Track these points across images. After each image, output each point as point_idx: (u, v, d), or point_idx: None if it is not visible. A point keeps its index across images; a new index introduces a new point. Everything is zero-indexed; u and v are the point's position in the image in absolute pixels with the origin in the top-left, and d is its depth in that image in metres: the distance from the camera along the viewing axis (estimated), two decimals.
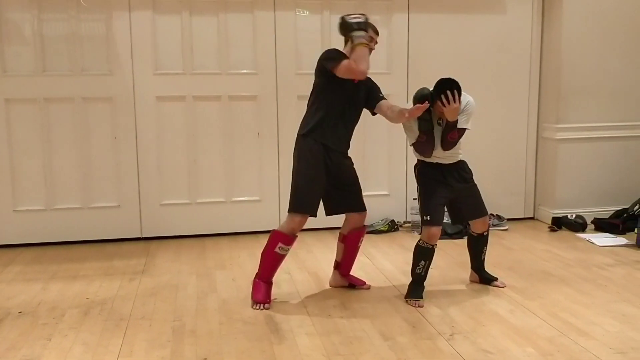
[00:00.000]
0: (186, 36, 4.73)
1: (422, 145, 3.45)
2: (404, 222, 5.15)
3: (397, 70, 5.04)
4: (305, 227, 4.96)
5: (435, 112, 3.43)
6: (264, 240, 4.69)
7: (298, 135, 3.49)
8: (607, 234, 4.81)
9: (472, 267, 3.81)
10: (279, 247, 3.39)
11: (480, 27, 5.12)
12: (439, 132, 3.45)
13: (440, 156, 3.51)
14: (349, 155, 3.61)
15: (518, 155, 5.38)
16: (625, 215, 4.86)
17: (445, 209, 3.64)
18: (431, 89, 3.38)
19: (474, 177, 3.65)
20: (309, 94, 3.58)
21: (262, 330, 3.10)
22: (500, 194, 5.31)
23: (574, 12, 4.98)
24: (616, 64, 5.11)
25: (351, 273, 3.75)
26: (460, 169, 3.60)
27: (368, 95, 3.53)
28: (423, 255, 3.50)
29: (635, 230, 4.60)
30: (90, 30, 4.63)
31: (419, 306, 3.41)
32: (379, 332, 3.06)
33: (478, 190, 3.64)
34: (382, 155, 5.13)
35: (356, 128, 5.01)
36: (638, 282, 3.76)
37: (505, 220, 5.17)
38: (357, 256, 3.76)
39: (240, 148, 4.92)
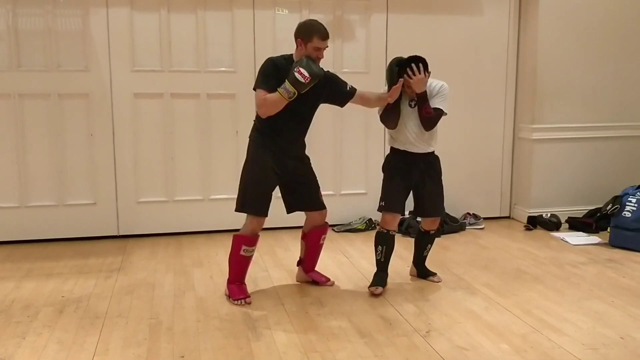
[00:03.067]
0: (164, 33, 4.70)
1: (387, 114, 3.51)
2: None
3: (375, 69, 5.07)
4: (282, 225, 5.04)
5: (407, 92, 3.49)
6: None
7: (249, 138, 3.50)
8: (581, 233, 4.89)
9: (412, 262, 3.88)
10: (244, 250, 3.42)
11: (458, 28, 5.17)
12: (411, 113, 3.50)
13: (411, 140, 3.53)
14: (307, 154, 3.63)
15: (494, 155, 5.45)
16: (598, 214, 4.94)
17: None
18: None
19: (442, 176, 3.70)
20: None
21: (239, 328, 3.09)
22: (477, 193, 5.37)
23: (550, 14, 5.06)
24: (590, 66, 5.20)
25: (317, 270, 3.78)
26: (429, 162, 3.62)
27: (330, 95, 3.52)
28: (380, 241, 3.58)
29: (608, 230, 4.69)
30: (66, 25, 4.58)
31: (376, 294, 3.49)
32: (355, 329, 3.08)
33: (440, 191, 3.67)
34: (358, 153, 5.16)
35: (332, 127, 5.08)
36: (610, 280, 3.84)
37: (482, 219, 5.23)
38: (322, 253, 3.80)
39: (218, 146, 4.91)
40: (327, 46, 3.35)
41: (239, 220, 4.98)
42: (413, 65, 3.39)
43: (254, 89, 3.36)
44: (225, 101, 4.87)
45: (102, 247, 4.55)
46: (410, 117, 3.52)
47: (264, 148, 3.40)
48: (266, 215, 3.45)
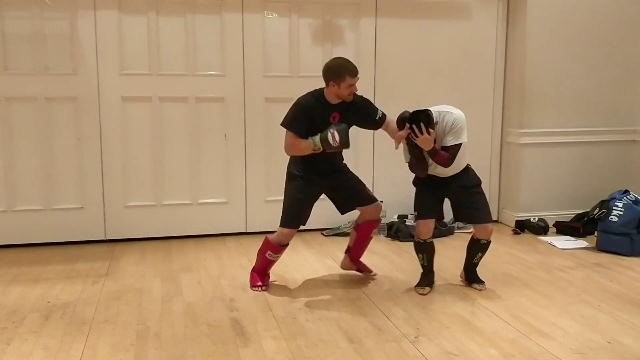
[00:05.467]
0: (153, 37, 4.68)
1: (414, 166, 3.62)
2: None
3: (364, 74, 5.02)
4: (273, 229, 4.95)
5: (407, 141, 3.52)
6: (230, 243, 4.77)
7: (289, 164, 3.74)
8: (568, 237, 4.92)
9: (463, 267, 3.89)
10: (268, 254, 3.72)
11: (447, 32, 5.18)
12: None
13: (438, 172, 3.62)
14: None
15: (483, 160, 5.46)
16: (585, 218, 4.97)
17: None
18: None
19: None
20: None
21: (228, 334, 3.08)
22: None
23: (538, 20, 5.09)
24: (577, 71, 5.24)
25: (362, 261, 3.99)
26: (460, 177, 3.66)
27: (361, 122, 3.76)
28: (420, 249, 3.73)
29: (595, 234, 4.72)
30: (54, 28, 4.55)
31: (422, 294, 3.63)
32: (344, 335, 3.07)
33: (480, 198, 3.69)
34: (349, 158, 5.12)
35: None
36: (597, 284, 3.86)
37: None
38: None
39: (207, 150, 4.89)
40: (358, 79, 3.55)
41: (228, 224, 5.00)
42: (414, 126, 3.39)
43: (283, 126, 3.62)
44: (214, 105, 4.85)
45: (89, 252, 4.52)
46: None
47: (301, 179, 3.66)
48: (295, 228, 3.71)
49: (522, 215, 5.23)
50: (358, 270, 3.98)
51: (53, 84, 4.57)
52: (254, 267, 3.83)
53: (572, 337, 3.05)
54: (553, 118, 5.24)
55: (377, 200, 3.88)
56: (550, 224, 5.14)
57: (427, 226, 3.66)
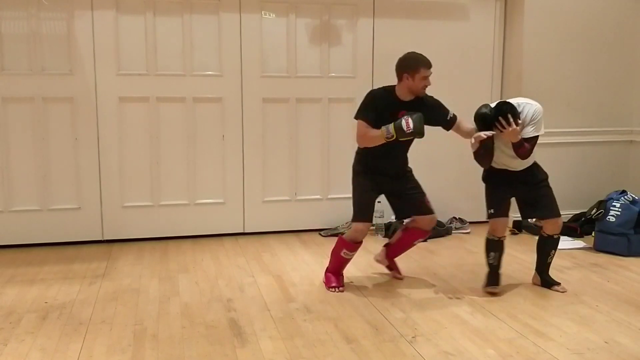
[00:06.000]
0: (150, 37, 4.67)
1: (481, 157, 3.57)
2: None
3: (362, 74, 5.07)
4: (270, 230, 5.03)
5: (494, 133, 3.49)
6: (227, 243, 4.76)
7: (354, 161, 3.78)
8: (566, 237, 4.90)
9: (536, 269, 3.84)
10: (344, 252, 3.70)
11: (444, 33, 5.19)
12: (508, 142, 3.48)
13: (507, 164, 3.60)
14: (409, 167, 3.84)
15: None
16: (583, 219, 4.98)
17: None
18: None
19: (546, 179, 3.72)
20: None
21: (225, 334, 3.07)
22: (463, 197, 5.38)
23: (535, 21, 5.10)
24: (574, 72, 5.24)
25: (395, 261, 4.00)
26: (528, 173, 3.64)
27: (432, 120, 3.67)
28: (491, 248, 3.68)
29: (593, 234, 4.72)
30: (51, 29, 4.54)
31: (494, 293, 3.61)
32: (342, 335, 3.07)
33: (549, 192, 3.68)
34: (347, 158, 5.11)
35: (319, 131, 5.08)
36: (594, 284, 3.86)
37: (468, 224, 5.25)
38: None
39: (204, 150, 4.88)
40: (432, 73, 3.57)
41: (225, 225, 4.99)
42: (501, 119, 3.39)
43: (356, 118, 3.61)
44: (212, 105, 4.84)
45: (86, 253, 4.51)
46: (507, 145, 3.53)
47: (365, 175, 3.68)
48: (367, 221, 3.66)
49: (518, 216, 5.21)
50: (388, 267, 3.99)
51: (50, 84, 4.56)
52: (328, 268, 3.81)
53: (569, 337, 3.05)
54: (550, 119, 5.20)
55: (434, 213, 3.82)
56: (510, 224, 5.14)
57: (503, 224, 3.66)
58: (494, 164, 3.63)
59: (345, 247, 3.68)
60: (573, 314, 3.36)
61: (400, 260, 4.34)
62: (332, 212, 5.12)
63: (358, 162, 3.75)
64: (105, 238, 4.79)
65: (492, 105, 3.55)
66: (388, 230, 4.98)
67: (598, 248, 4.55)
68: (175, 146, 4.83)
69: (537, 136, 3.51)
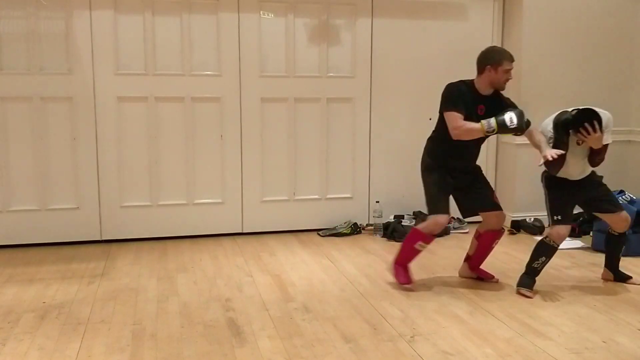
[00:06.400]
0: (148, 36, 4.67)
1: (554, 162, 3.49)
2: (367, 225, 5.17)
3: (360, 74, 5.08)
4: (268, 230, 5.03)
5: (577, 139, 3.51)
6: (226, 243, 4.76)
7: (425, 154, 3.76)
8: (570, 238, 4.91)
9: (605, 265, 3.88)
10: (419, 244, 3.67)
11: (443, 33, 5.19)
12: (576, 151, 3.54)
13: (572, 174, 3.62)
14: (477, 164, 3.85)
15: (478, 160, 5.43)
16: (581, 219, 4.98)
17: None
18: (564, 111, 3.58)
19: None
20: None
21: (223, 334, 3.07)
22: None
23: (533, 20, 5.10)
24: (572, 71, 5.24)
25: (482, 268, 3.96)
26: (589, 178, 3.69)
27: None
28: (545, 252, 3.66)
29: (591, 234, 4.72)
30: (49, 28, 4.53)
31: (529, 296, 3.59)
32: (340, 335, 3.07)
33: (608, 190, 3.73)
34: (345, 158, 5.16)
35: (319, 131, 5.09)
36: (593, 283, 3.87)
37: (466, 224, 5.25)
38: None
39: (203, 150, 4.88)
40: (513, 67, 3.59)
41: (224, 225, 4.99)
42: (587, 125, 3.40)
43: (442, 112, 3.58)
44: (210, 105, 4.84)
45: (85, 252, 4.50)
46: (574, 155, 3.56)
47: (439, 170, 3.65)
48: (446, 213, 3.63)
49: (518, 216, 5.24)
50: (478, 277, 3.93)
51: (48, 83, 4.55)
52: (397, 261, 3.77)
53: (568, 337, 3.06)
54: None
55: (502, 209, 3.81)
56: (546, 224, 5.13)
57: (566, 231, 3.63)
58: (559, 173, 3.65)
59: (422, 239, 3.65)
60: (572, 314, 3.36)
61: None
62: (331, 212, 5.13)
63: (428, 155, 3.73)
64: (104, 238, 4.78)
65: (571, 110, 3.55)
66: (387, 230, 4.99)
67: (596, 248, 4.55)
68: (173, 146, 4.83)
69: (607, 145, 3.54)
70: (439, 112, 3.67)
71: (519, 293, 3.66)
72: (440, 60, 5.22)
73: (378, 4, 5.03)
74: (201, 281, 3.88)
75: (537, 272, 3.70)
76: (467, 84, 3.64)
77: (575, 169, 3.61)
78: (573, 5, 5.18)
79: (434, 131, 3.76)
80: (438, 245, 4.77)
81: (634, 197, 4.63)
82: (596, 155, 3.54)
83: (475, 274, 3.94)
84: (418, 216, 5.07)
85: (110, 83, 4.65)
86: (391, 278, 3.93)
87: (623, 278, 3.85)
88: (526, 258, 4.38)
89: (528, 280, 3.70)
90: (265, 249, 4.61)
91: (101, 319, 3.25)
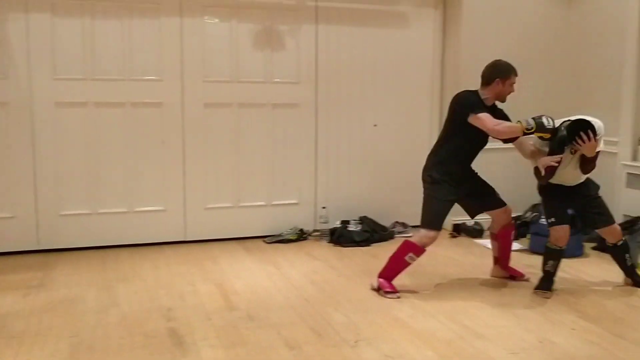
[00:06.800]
0: (87, 41, 4.55)
1: (542, 175, 3.68)
2: (313, 231, 5.18)
3: (305, 79, 5.09)
4: (212, 237, 4.97)
5: (571, 147, 3.61)
6: (169, 252, 4.68)
7: (426, 167, 3.86)
8: None
9: (625, 274, 3.95)
10: (409, 256, 3.75)
11: (386, 40, 5.26)
12: (570, 159, 3.65)
13: (566, 180, 3.75)
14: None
15: (421, 165, 5.52)
16: (518, 221, 5.11)
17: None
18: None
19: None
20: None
21: (165, 344, 3.02)
22: (406, 202, 5.44)
23: (472, 30, 5.23)
24: None
25: (511, 266, 4.11)
26: (585, 185, 3.80)
27: None
28: (551, 257, 3.77)
29: (528, 236, 4.87)
30: None
31: (546, 297, 3.71)
32: (284, 342, 3.06)
33: (602, 202, 3.83)
34: (291, 164, 5.15)
35: (264, 136, 5.07)
36: (530, 285, 3.98)
37: (410, 228, 5.32)
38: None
39: (144, 156, 4.78)
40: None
41: (167, 233, 4.90)
42: (582, 133, 3.50)
43: (467, 117, 3.64)
44: (152, 110, 4.76)
45: (21, 262, 4.34)
46: (568, 163, 3.67)
47: (447, 184, 3.75)
48: (440, 230, 3.76)
49: (459, 219, 5.34)
50: (511, 277, 4.06)
51: None
52: (382, 273, 3.81)
53: (505, 337, 3.14)
54: None
55: (507, 205, 3.98)
56: (486, 227, 5.27)
57: (566, 232, 3.72)
58: (550, 180, 3.75)
59: (413, 252, 3.73)
60: (510, 315, 3.46)
61: (347, 266, 4.38)
62: (277, 218, 5.11)
63: (435, 169, 3.79)
64: (41, 248, 4.62)
65: (563, 121, 3.65)
66: (333, 235, 5.00)
67: (533, 250, 4.70)
68: (114, 152, 4.71)
69: (599, 152, 3.66)
70: (454, 122, 3.75)
71: (536, 294, 3.78)
72: (385, 67, 5.29)
73: (322, 11, 5.06)
74: (142, 291, 3.80)
75: (550, 274, 3.80)
76: (475, 94, 3.79)
77: (570, 176, 3.75)
78: (510, 14, 5.33)
79: (442, 143, 3.84)
80: (382, 250, 4.81)
81: None
82: (588, 164, 3.66)
83: (508, 273, 4.09)
84: (364, 221, 5.12)
85: (48, 88, 4.51)
86: (336, 284, 3.96)
87: (638, 282, 3.92)
88: (466, 260, 4.51)
89: (544, 283, 3.82)
90: (209, 257, 4.55)
91: (37, 332, 3.14)
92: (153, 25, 4.69)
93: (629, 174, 4.92)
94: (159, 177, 4.84)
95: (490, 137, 3.78)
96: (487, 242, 4.95)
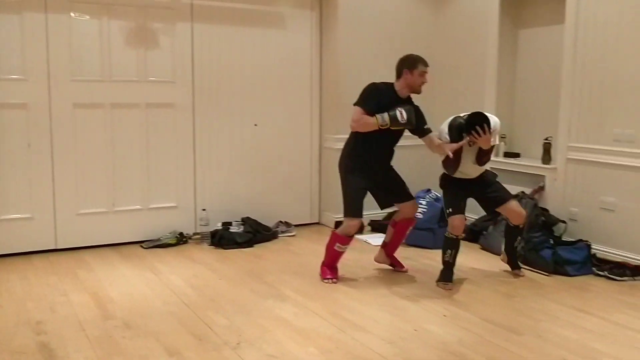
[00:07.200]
0: None
1: (451, 162, 3.86)
2: (193, 234, 5.07)
3: (182, 79, 4.97)
4: (86, 244, 4.72)
5: (469, 140, 3.79)
6: (37, 261, 4.42)
7: (341, 155, 4.05)
8: (381, 234, 5.20)
9: (505, 250, 4.23)
10: (337, 246, 3.99)
11: (264, 40, 5.26)
12: (468, 152, 3.86)
13: (467, 172, 3.96)
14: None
15: (303, 165, 5.62)
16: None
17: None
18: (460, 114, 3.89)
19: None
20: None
21: (34, 359, 2.82)
22: (289, 202, 5.51)
23: (348, 31, 5.36)
24: (386, 78, 5.56)
25: (395, 256, 4.31)
26: (483, 176, 4.03)
27: (414, 128, 3.97)
28: (449, 246, 3.92)
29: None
30: None
31: (448, 289, 3.85)
32: (164, 349, 2.97)
33: (498, 185, 4.07)
34: (169, 165, 5.00)
35: (140, 137, 4.89)
36: (406, 276, 4.16)
37: (293, 227, 5.36)
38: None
39: (8, 160, 4.44)
40: (428, 72, 3.93)
41: (35, 241, 4.59)
42: (478, 128, 3.70)
43: (355, 105, 3.87)
44: (16, 111, 4.44)
45: None
46: (467, 155, 3.88)
47: (357, 171, 3.93)
48: (359, 217, 3.94)
49: (341, 216, 5.43)
50: (391, 265, 4.27)
51: None
52: (323, 262, 4.08)
53: (383, 328, 3.25)
54: None
55: (414, 198, 4.21)
56: (366, 222, 5.42)
57: (462, 221, 3.89)
58: (455, 174, 3.96)
59: (339, 241, 3.96)
60: (388, 306, 3.58)
61: (229, 268, 4.34)
62: (154, 222, 4.95)
63: (348, 158, 3.98)
64: None
65: (462, 115, 3.85)
66: (214, 238, 4.92)
67: (409, 242, 4.87)
68: None
69: (494, 146, 3.92)
70: None
71: (438, 287, 3.91)
72: (264, 67, 5.29)
73: (198, 9, 4.96)
74: (8, 304, 3.52)
75: (450, 265, 3.96)
76: (388, 85, 3.95)
77: (469, 167, 3.95)
78: (382, 16, 5.49)
79: (354, 133, 3.97)
80: (265, 250, 4.83)
81: (439, 195, 5.05)
82: (483, 156, 3.89)
83: (390, 261, 4.28)
84: (246, 222, 5.09)
85: None
86: (218, 287, 3.90)
87: (514, 267, 4.19)
88: (347, 256, 4.57)
89: (444, 274, 3.96)
90: (82, 266, 4.32)
91: None
92: (14, 21, 4.38)
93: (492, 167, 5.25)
94: (25, 182, 4.51)
95: (406, 131, 3.99)
96: (367, 237, 5.12)
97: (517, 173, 5.02)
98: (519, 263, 4.24)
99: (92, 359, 2.85)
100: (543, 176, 4.83)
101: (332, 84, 5.46)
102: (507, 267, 4.26)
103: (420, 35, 5.70)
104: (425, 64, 3.95)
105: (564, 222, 4.54)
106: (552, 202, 4.72)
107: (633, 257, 4.21)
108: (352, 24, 5.38)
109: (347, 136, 5.37)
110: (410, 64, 3.92)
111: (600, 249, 4.37)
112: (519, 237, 4.17)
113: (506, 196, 4.07)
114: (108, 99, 4.73)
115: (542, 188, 4.81)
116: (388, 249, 4.28)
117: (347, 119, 5.39)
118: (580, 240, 4.38)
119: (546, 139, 4.83)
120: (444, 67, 5.67)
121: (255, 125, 5.31)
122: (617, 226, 4.31)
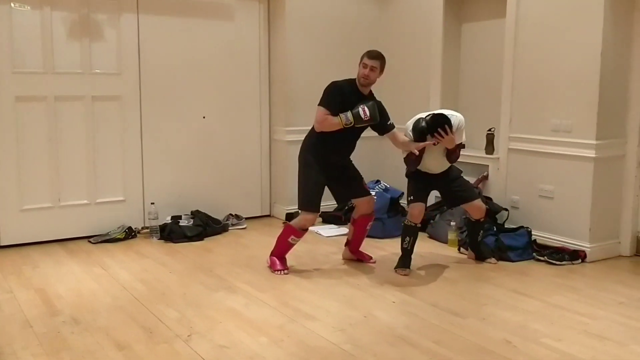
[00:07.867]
0: None
1: (412, 160, 3.98)
2: (142, 228, 5.02)
3: (127, 71, 4.90)
4: (30, 241, 4.62)
5: (433, 141, 3.89)
6: None
7: (301, 148, 4.05)
8: (332, 226, 5.30)
9: (470, 247, 4.36)
10: (291, 238, 4.02)
11: (211, 32, 5.23)
12: (433, 150, 3.96)
13: (431, 168, 4.06)
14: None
15: (253, 157, 5.63)
16: (346, 207, 5.39)
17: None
18: (424, 115, 3.96)
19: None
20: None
21: None
22: (239, 194, 5.51)
23: (295, 25, 5.38)
24: (332, 72, 5.59)
25: (361, 250, 4.35)
26: (447, 172, 4.11)
27: (375, 125, 3.99)
28: (407, 233, 4.03)
29: None
30: None
31: (405, 275, 3.99)
32: (114, 343, 2.95)
33: (465, 182, 4.20)
34: (115, 159, 4.93)
35: (85, 130, 4.80)
36: (356, 265, 4.23)
37: (244, 220, 5.37)
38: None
39: None
40: (373, 65, 3.90)
41: None
42: (440, 129, 3.81)
43: (319, 105, 3.90)
44: None
45: None
46: (432, 153, 3.98)
47: (315, 165, 3.94)
48: (316, 211, 3.98)
49: (292, 208, 5.49)
50: (359, 259, 4.30)
51: None
52: (273, 252, 4.10)
53: (333, 316, 3.31)
54: (313, 116, 5.57)
55: (371, 194, 4.26)
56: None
57: (420, 209, 4.00)
58: (419, 167, 4.05)
59: (293, 234, 3.99)
60: (338, 294, 3.65)
61: (179, 262, 4.32)
62: (102, 217, 4.87)
63: (309, 151, 3.97)
64: None
65: (424, 115, 3.94)
66: (163, 232, 4.89)
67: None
68: None
69: (462, 145, 4.04)
70: None
71: (396, 273, 4.02)
72: (211, 59, 5.26)
73: (143, 1, 4.89)
74: None
75: (408, 252, 4.07)
76: (350, 83, 3.97)
77: (434, 164, 4.05)
78: (328, 11, 5.54)
79: (309, 136, 4.03)
80: (216, 243, 4.82)
81: (388, 186, 5.17)
82: (452, 154, 4.01)
83: (356, 257, 4.32)
84: (196, 215, 5.07)
85: None
86: (168, 281, 3.89)
87: (484, 257, 4.30)
88: (298, 247, 4.61)
89: (402, 260, 4.08)
90: (27, 262, 4.22)
91: None
92: None
93: None
94: None
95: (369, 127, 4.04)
96: (318, 229, 5.18)
97: (461, 163, 5.13)
98: (487, 252, 4.35)
99: (40, 356, 2.81)
100: (487, 166, 4.99)
101: (281, 77, 5.48)
102: (456, 255, 4.41)
103: (366, 30, 5.78)
104: (370, 56, 3.93)
105: (506, 209, 4.71)
106: (495, 191, 4.89)
107: (571, 242, 4.41)
108: (299, 16, 5.41)
109: (297, 128, 5.45)
110: (361, 58, 3.97)
111: (540, 235, 4.56)
112: (481, 230, 4.30)
113: (473, 196, 4.20)
114: (51, 92, 4.62)
115: (485, 177, 4.97)
116: (352, 246, 4.34)
117: (297, 113, 5.49)
118: (522, 227, 4.55)
119: (489, 130, 4.99)
120: (390, 62, 5.65)
121: (204, 117, 5.28)
122: (556, 213, 4.51)
